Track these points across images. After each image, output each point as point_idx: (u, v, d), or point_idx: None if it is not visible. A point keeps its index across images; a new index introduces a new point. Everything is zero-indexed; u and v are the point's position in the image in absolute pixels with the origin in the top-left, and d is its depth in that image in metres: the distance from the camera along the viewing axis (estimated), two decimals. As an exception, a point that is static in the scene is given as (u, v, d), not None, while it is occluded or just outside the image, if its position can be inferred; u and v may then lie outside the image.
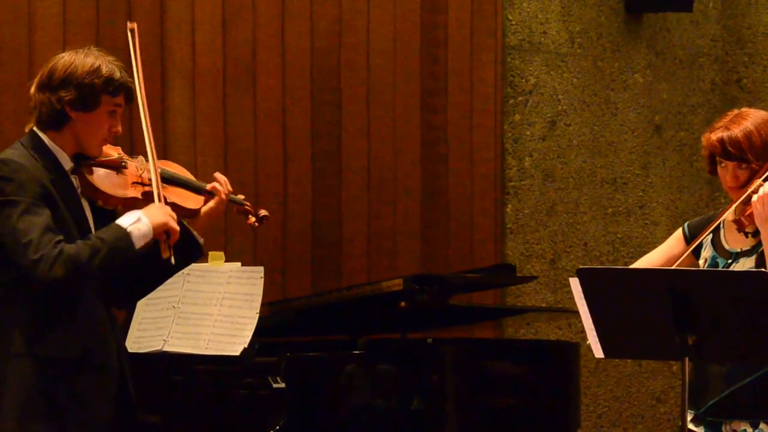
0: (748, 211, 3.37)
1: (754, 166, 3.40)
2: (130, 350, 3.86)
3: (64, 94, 3.05)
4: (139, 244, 3.03)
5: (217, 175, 3.32)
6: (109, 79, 3.07)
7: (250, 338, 3.81)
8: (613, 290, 3.20)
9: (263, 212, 3.45)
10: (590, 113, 5.66)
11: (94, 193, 3.11)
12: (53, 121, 3.08)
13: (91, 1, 4.63)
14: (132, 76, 3.14)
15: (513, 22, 5.50)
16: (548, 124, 5.57)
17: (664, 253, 3.60)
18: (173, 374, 3.92)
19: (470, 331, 4.99)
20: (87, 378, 3.03)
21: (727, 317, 3.12)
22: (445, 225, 5.25)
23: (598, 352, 3.33)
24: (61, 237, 2.97)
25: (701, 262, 3.52)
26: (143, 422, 3.28)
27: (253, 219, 3.43)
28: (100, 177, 3.12)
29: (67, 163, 3.11)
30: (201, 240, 3.23)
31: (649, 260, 3.62)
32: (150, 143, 3.17)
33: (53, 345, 2.99)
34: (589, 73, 5.65)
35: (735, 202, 3.39)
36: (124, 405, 3.13)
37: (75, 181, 3.11)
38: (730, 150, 3.41)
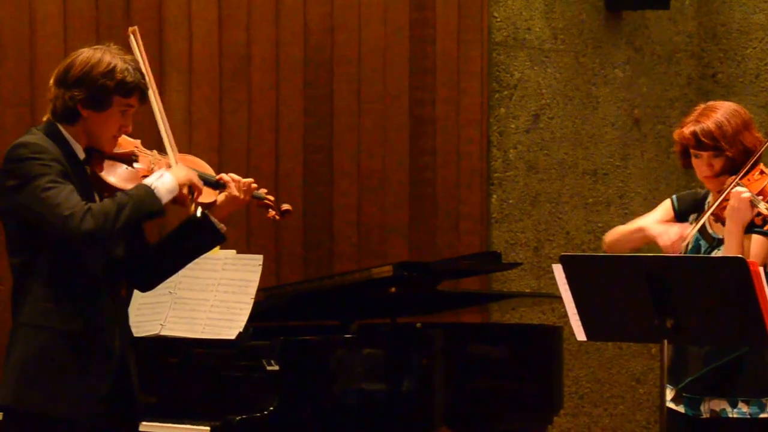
0: (724, 204, 3.38)
1: (728, 153, 3.41)
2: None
3: (76, 93, 3.03)
4: (165, 198, 3.03)
5: (233, 176, 3.23)
6: (122, 82, 3.04)
7: (245, 323, 3.79)
8: (594, 276, 3.22)
9: (286, 206, 3.30)
10: (572, 107, 5.64)
11: (100, 185, 3.08)
12: (66, 116, 3.07)
13: (91, -1, 4.63)
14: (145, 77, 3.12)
15: (498, 19, 5.48)
16: (532, 117, 5.55)
17: (661, 216, 3.59)
18: (170, 357, 3.90)
19: (458, 315, 4.97)
20: (85, 353, 3.03)
21: (704, 301, 3.14)
22: (432, 214, 5.25)
23: (581, 335, 3.34)
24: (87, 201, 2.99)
25: (684, 242, 3.52)
26: (141, 403, 3.21)
27: (273, 213, 3.27)
28: (109, 170, 3.09)
29: (81, 154, 3.10)
30: (221, 227, 3.18)
31: (652, 218, 3.60)
32: (164, 121, 3.14)
33: (56, 318, 3.01)
34: (572, 68, 5.62)
35: (719, 198, 3.39)
36: (123, 386, 3.12)
37: (88, 171, 3.11)
38: (703, 141, 3.42)
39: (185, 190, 3.07)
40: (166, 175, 3.05)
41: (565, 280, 3.26)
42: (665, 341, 3.17)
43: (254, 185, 3.24)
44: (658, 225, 3.53)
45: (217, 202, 3.20)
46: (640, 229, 3.57)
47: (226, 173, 3.24)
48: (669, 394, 3.49)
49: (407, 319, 4.46)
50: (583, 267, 3.24)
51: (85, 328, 3.03)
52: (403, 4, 5.18)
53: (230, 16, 4.86)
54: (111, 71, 3.02)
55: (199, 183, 3.10)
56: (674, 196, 3.65)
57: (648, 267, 3.11)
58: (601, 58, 5.72)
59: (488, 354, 4.26)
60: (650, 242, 3.56)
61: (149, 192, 3.01)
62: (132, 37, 3.13)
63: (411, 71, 5.19)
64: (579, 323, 3.30)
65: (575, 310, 3.28)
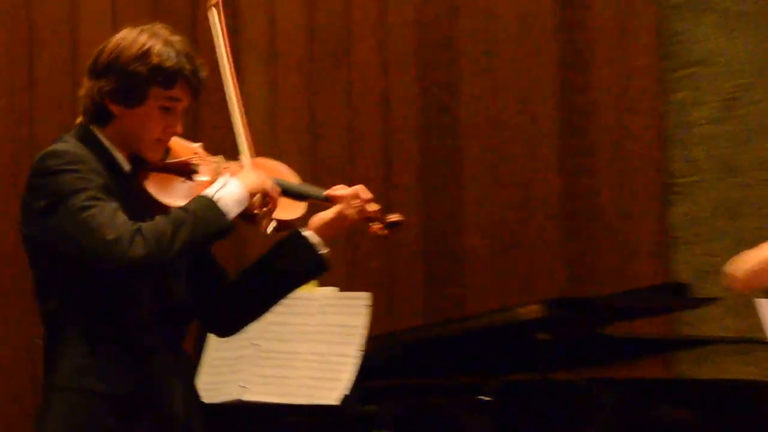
0: None
1: None
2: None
3: (103, 84, 2.98)
4: (232, 212, 2.96)
5: (361, 189, 3.19)
6: (158, 67, 2.95)
7: (350, 382, 3.80)
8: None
9: (394, 217, 3.16)
10: (779, 87, 5.36)
11: (150, 202, 3.00)
12: (95, 116, 3.00)
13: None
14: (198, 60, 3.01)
15: (675, -27, 5.24)
16: (724, 102, 5.40)
17: None
18: (254, 429, 3.93)
19: (632, 369, 4.83)
20: (136, 420, 2.99)
21: None
22: (592, 235, 5.21)
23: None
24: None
25: None
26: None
27: (377, 226, 3.14)
28: (160, 184, 3.02)
29: (126, 165, 3.03)
30: (322, 250, 3.09)
31: None
32: (241, 116, 3.10)
33: (98, 378, 2.98)
34: (778, 37, 5.35)
35: None
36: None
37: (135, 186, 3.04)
38: None
39: (257, 200, 2.97)
40: (232, 182, 2.96)
41: (775, 321, 3.02)
42: None
43: (366, 196, 3.13)
44: None
45: (315, 223, 3.13)
46: None
47: (328, 185, 3.17)
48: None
49: (563, 375, 4.39)
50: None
51: (136, 389, 3.01)
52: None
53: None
54: (144, 54, 2.95)
55: (274, 192, 3.01)
56: None
57: None
58: (818, 20, 5.54)
59: (676, 420, 4.21)
60: None
61: (211, 205, 2.94)
62: (214, 9, 3.10)
63: (560, 47, 5.16)
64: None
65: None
